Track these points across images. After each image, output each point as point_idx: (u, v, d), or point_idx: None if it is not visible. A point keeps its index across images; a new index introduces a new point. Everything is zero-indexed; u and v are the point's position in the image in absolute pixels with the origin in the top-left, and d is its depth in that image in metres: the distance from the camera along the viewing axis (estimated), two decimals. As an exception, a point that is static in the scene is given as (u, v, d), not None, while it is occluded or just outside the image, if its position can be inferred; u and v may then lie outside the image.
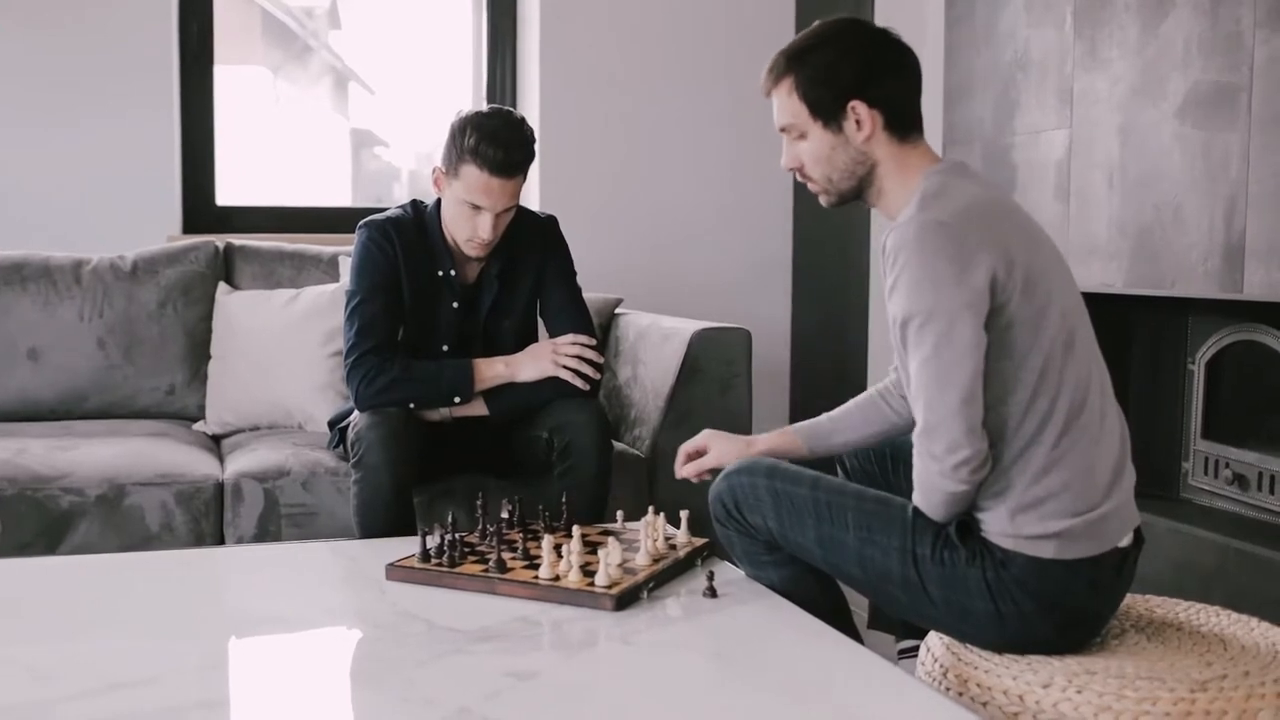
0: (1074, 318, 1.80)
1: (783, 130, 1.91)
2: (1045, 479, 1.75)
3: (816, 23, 1.92)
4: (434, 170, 2.56)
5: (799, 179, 1.94)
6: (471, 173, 2.45)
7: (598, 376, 2.58)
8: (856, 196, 1.91)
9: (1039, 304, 1.74)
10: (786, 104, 1.88)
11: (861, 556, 1.85)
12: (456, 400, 2.52)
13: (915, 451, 1.78)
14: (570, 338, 2.58)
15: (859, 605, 2.13)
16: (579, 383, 2.54)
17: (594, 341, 2.61)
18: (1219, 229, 2.35)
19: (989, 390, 1.74)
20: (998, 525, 1.78)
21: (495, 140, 2.42)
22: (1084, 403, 1.77)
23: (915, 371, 1.75)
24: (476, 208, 2.47)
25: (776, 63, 1.90)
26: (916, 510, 1.83)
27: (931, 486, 1.77)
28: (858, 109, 1.83)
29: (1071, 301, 1.82)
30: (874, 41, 1.87)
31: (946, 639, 1.86)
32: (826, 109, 1.85)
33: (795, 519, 1.90)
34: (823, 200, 1.94)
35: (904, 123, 1.87)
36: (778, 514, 1.91)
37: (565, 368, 2.54)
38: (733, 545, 2.02)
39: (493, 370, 2.54)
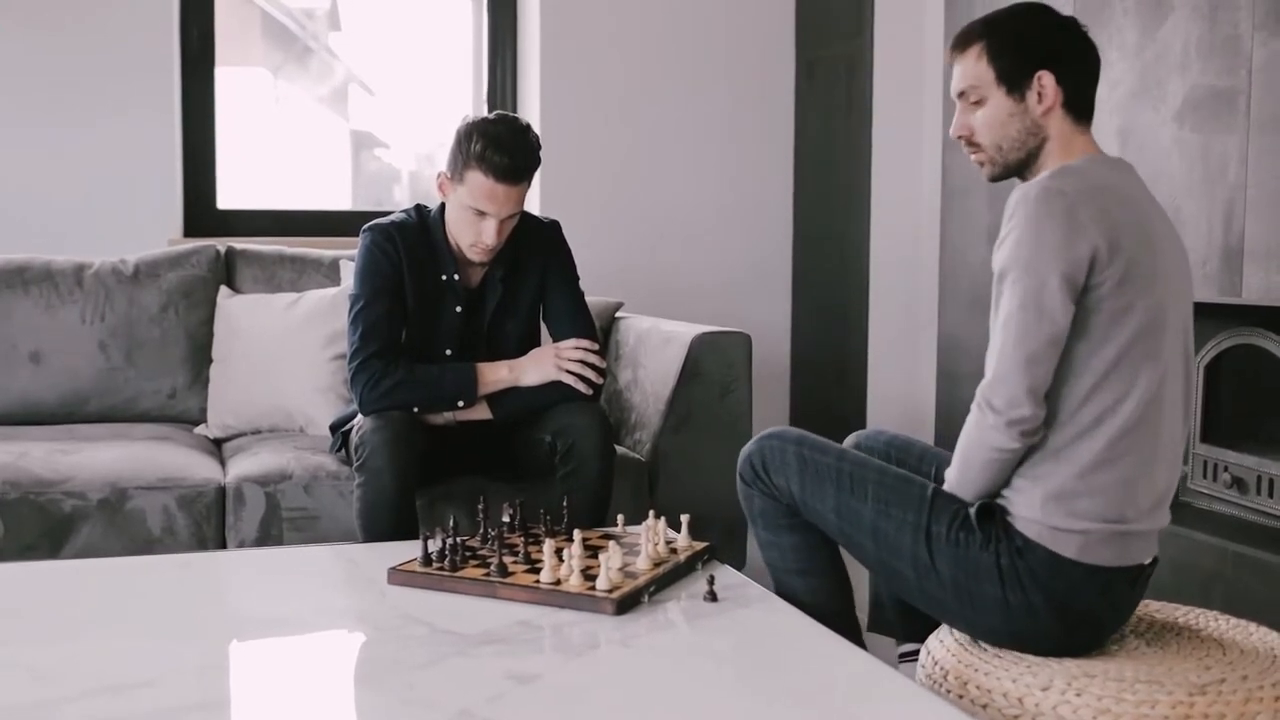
0: (1171, 334, 1.79)
1: (959, 96, 1.91)
2: (1089, 476, 1.75)
3: (1011, 4, 1.94)
4: (439, 175, 2.56)
5: (964, 148, 1.94)
6: (477, 179, 2.45)
7: (600, 380, 2.58)
8: (1019, 171, 1.91)
9: (1129, 299, 1.74)
10: (973, 69, 1.89)
11: (875, 528, 1.88)
12: (460, 404, 2.53)
13: (975, 405, 1.79)
14: (573, 342, 2.59)
15: (859, 607, 2.13)
16: (582, 387, 2.54)
17: (597, 346, 2.61)
18: (1217, 232, 2.36)
19: (1058, 365, 1.75)
20: (1027, 509, 1.78)
21: (501, 146, 2.43)
22: (1149, 419, 1.76)
23: (999, 325, 1.77)
24: (481, 213, 2.48)
25: (970, 29, 1.91)
26: (937, 490, 1.85)
27: (980, 443, 1.78)
28: (1044, 80, 1.85)
29: (1176, 317, 1.81)
30: (1067, 26, 1.90)
31: (947, 642, 1.86)
32: (1013, 76, 1.86)
33: (817, 485, 1.94)
34: (985, 171, 1.93)
35: (1081, 107, 1.88)
36: (801, 479, 1.96)
37: (568, 372, 2.54)
38: (753, 506, 2.05)
39: (496, 374, 2.55)
